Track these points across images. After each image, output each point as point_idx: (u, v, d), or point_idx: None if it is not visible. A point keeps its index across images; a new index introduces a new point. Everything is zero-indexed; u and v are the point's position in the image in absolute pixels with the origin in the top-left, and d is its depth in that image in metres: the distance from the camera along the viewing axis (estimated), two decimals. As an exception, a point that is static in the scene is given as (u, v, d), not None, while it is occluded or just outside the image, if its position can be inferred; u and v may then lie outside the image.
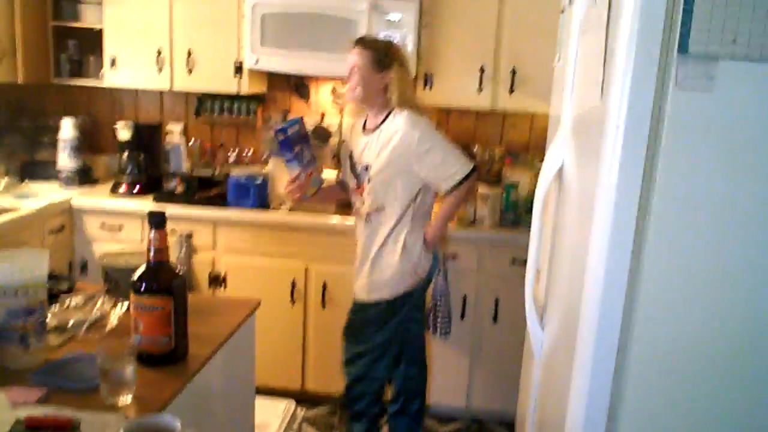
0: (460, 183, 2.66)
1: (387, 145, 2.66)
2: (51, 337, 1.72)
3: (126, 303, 1.89)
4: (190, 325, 1.71)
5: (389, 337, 2.87)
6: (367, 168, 2.73)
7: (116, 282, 1.97)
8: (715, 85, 1.30)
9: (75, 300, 1.91)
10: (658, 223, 1.37)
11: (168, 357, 1.63)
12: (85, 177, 3.80)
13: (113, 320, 1.85)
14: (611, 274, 1.39)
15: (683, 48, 1.28)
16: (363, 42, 2.71)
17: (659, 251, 1.38)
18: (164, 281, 1.59)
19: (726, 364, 1.43)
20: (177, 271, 1.64)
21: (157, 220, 1.58)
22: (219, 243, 3.51)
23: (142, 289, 1.58)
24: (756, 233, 1.35)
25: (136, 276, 1.60)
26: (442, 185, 2.68)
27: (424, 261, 2.80)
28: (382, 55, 2.66)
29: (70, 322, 1.80)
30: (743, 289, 1.38)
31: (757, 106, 1.31)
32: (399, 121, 2.64)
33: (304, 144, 2.71)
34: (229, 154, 4.00)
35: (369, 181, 2.73)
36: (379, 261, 2.78)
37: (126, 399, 1.46)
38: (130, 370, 1.46)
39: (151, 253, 1.59)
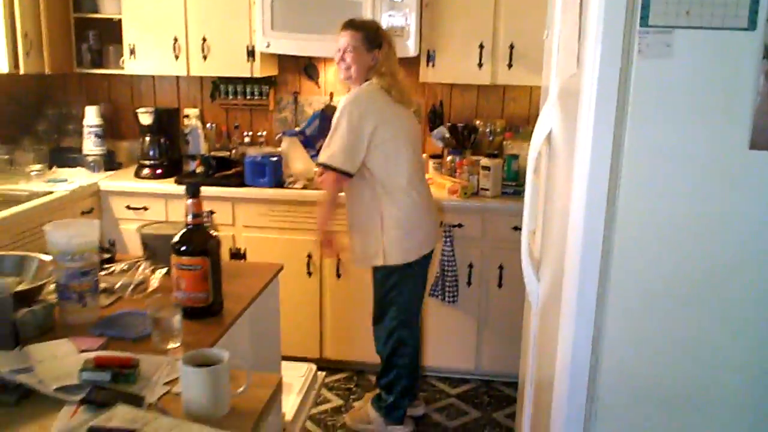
0: (325, 166, 2.85)
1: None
2: (101, 298, 1.94)
3: (164, 268, 2.12)
4: (223, 286, 1.93)
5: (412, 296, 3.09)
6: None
7: (154, 249, 2.19)
8: (673, 51, 1.50)
9: (119, 267, 2.14)
10: (628, 171, 1.58)
11: (206, 310, 1.86)
12: (109, 162, 4.02)
13: (154, 283, 2.07)
14: (590, 219, 1.61)
15: (644, 21, 1.49)
16: (353, 24, 2.92)
17: (630, 197, 1.59)
18: (201, 243, 1.81)
19: (693, 299, 1.64)
20: (211, 233, 1.86)
21: (193, 189, 1.80)
22: (238, 220, 3.72)
23: (183, 250, 1.80)
24: (712, 178, 1.56)
25: (176, 239, 1.82)
26: (320, 154, 2.89)
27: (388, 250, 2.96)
28: (372, 35, 2.87)
29: (117, 285, 2.02)
30: (706, 229, 1.59)
31: (709, 68, 1.52)
32: (347, 95, 2.88)
33: (323, 138, 2.92)
34: (244, 135, 4.21)
35: None
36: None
37: (175, 344, 1.69)
38: (177, 319, 1.68)
39: (189, 218, 1.81)
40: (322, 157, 2.86)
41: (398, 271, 2.99)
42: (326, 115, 3.00)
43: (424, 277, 3.13)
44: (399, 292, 3.03)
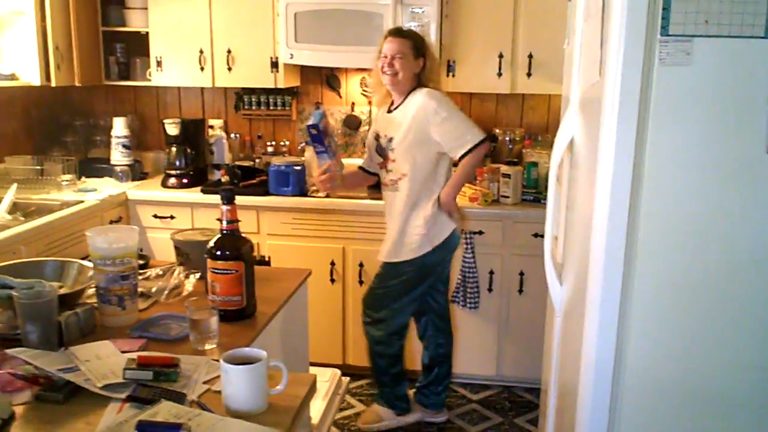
0: (470, 150, 2.94)
1: (407, 116, 2.97)
2: (139, 302, 2.01)
3: (197, 273, 2.18)
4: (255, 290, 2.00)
5: (410, 302, 3.16)
6: (390, 140, 3.03)
7: (187, 255, 2.26)
8: (692, 59, 1.56)
9: (154, 272, 2.21)
10: (650, 176, 1.63)
11: (241, 313, 1.93)
12: (136, 171, 4.11)
13: (188, 287, 2.14)
14: (613, 224, 1.66)
15: (664, 30, 1.55)
16: (401, 32, 3.03)
17: (652, 201, 1.64)
18: (235, 247, 1.88)
19: (716, 302, 1.68)
20: (245, 238, 1.93)
21: (228, 196, 1.86)
22: (262, 228, 3.78)
23: (218, 254, 1.87)
24: (732, 182, 1.61)
25: (212, 244, 1.88)
26: (456, 151, 2.96)
27: (441, 230, 3.06)
28: (419, 43, 2.98)
29: (153, 289, 2.10)
30: (726, 232, 1.64)
31: (727, 75, 1.57)
32: (419, 96, 2.97)
33: (330, 136, 2.99)
34: (267, 145, 4.29)
35: (392, 151, 3.03)
36: (403, 226, 3.07)
37: (212, 345, 1.75)
38: (214, 320, 1.74)
39: (224, 224, 1.88)
40: (466, 147, 2.94)
41: (434, 269, 3.12)
42: (347, 123, 3.13)
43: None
44: (437, 291, 3.20)
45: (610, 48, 1.60)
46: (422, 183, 3.02)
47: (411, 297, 3.15)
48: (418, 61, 2.99)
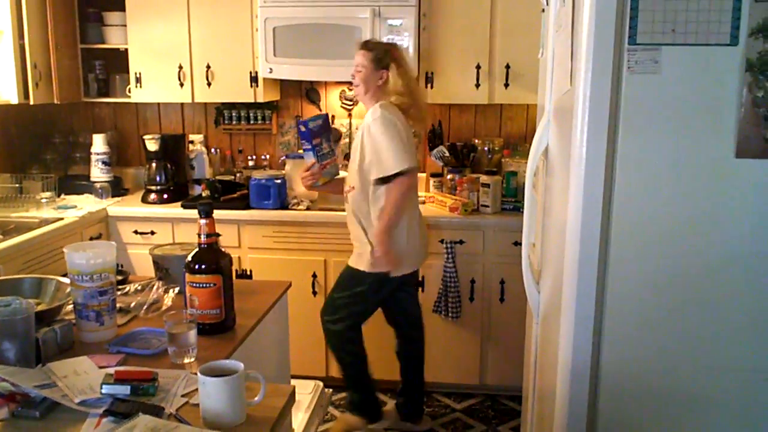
0: (389, 178, 2.90)
1: (358, 132, 3.02)
2: (117, 317, 2.01)
3: (177, 288, 2.18)
4: (234, 303, 2.00)
5: (366, 309, 3.21)
6: (347, 155, 3.05)
7: (166, 270, 2.26)
8: (660, 67, 1.59)
9: (133, 287, 2.21)
10: (621, 182, 1.66)
11: (220, 326, 1.93)
12: (116, 188, 4.10)
13: (167, 302, 2.14)
14: (586, 228, 1.68)
15: (632, 39, 1.58)
16: (366, 44, 3.06)
17: (624, 205, 1.67)
18: (214, 261, 1.88)
19: (687, 302, 1.71)
20: (223, 252, 1.93)
21: (206, 210, 1.87)
22: (244, 241, 3.78)
23: (196, 268, 1.87)
24: (701, 186, 1.64)
25: (189, 257, 1.89)
26: (372, 172, 2.94)
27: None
28: (381, 55, 2.99)
29: (132, 304, 2.09)
30: (696, 235, 1.67)
31: (695, 81, 1.61)
32: (369, 111, 2.98)
33: (324, 138, 3.06)
34: (248, 159, 4.29)
35: (348, 160, 3.09)
36: (355, 234, 3.11)
37: (191, 359, 1.75)
38: (193, 334, 1.75)
39: (202, 238, 1.88)
40: (385, 172, 2.89)
41: (378, 282, 3.09)
42: (329, 123, 3.19)
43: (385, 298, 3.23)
44: (364, 300, 3.16)
45: (580, 57, 1.62)
46: (365, 201, 3.03)
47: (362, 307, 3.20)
48: (379, 73, 3.00)
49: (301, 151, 4.06)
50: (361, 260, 3.09)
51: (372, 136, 2.91)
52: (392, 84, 3.01)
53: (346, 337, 3.23)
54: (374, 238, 2.98)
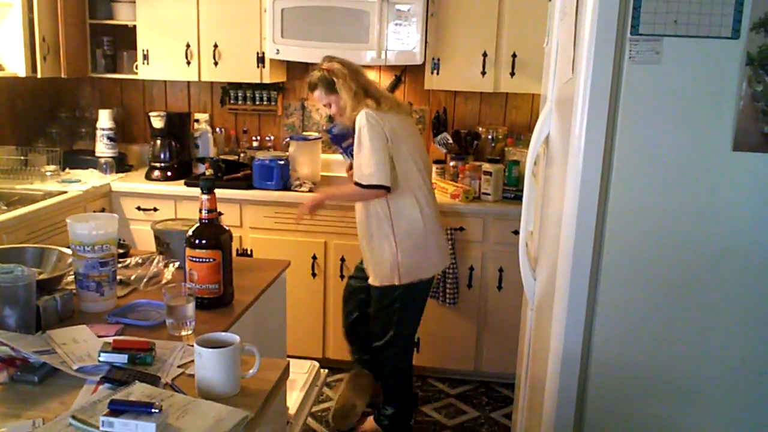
0: (366, 186, 2.93)
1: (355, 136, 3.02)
2: (117, 289, 2.03)
3: (177, 262, 2.21)
4: (233, 280, 2.02)
5: (407, 318, 3.16)
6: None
7: (167, 244, 2.28)
8: (662, 58, 1.60)
9: (134, 260, 2.23)
10: (618, 171, 1.68)
11: (218, 301, 1.96)
12: (121, 164, 4.12)
13: (167, 275, 2.17)
14: (582, 217, 1.70)
15: (635, 29, 1.59)
16: (310, 85, 3.11)
17: (620, 196, 1.69)
18: (214, 236, 1.91)
19: (681, 294, 1.73)
20: (224, 228, 1.96)
21: (208, 186, 1.90)
22: (245, 221, 3.81)
23: (197, 243, 1.89)
24: (698, 179, 1.66)
25: (191, 232, 1.91)
26: (356, 174, 2.97)
27: (403, 259, 3.02)
28: (325, 83, 3.02)
29: (132, 277, 2.12)
30: (692, 227, 1.68)
31: (695, 74, 1.62)
32: (358, 117, 2.96)
33: (352, 137, 3.07)
34: (252, 139, 4.31)
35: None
36: (365, 251, 3.16)
37: (188, 331, 1.78)
38: (191, 307, 1.77)
39: (203, 213, 1.91)
40: (367, 180, 2.92)
41: (402, 289, 3.06)
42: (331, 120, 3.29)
43: (424, 301, 3.20)
44: (401, 311, 3.12)
45: (582, 45, 1.63)
46: (364, 209, 3.05)
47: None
48: (338, 95, 3.01)
49: (305, 134, 4.11)
50: (377, 277, 3.09)
51: (360, 143, 2.93)
52: (351, 94, 2.99)
53: (402, 353, 3.23)
54: (318, 195, 3.14)
